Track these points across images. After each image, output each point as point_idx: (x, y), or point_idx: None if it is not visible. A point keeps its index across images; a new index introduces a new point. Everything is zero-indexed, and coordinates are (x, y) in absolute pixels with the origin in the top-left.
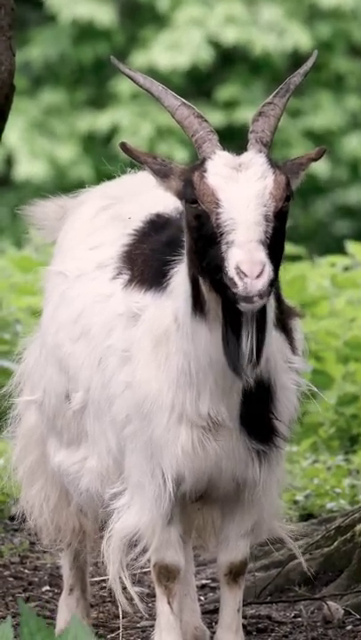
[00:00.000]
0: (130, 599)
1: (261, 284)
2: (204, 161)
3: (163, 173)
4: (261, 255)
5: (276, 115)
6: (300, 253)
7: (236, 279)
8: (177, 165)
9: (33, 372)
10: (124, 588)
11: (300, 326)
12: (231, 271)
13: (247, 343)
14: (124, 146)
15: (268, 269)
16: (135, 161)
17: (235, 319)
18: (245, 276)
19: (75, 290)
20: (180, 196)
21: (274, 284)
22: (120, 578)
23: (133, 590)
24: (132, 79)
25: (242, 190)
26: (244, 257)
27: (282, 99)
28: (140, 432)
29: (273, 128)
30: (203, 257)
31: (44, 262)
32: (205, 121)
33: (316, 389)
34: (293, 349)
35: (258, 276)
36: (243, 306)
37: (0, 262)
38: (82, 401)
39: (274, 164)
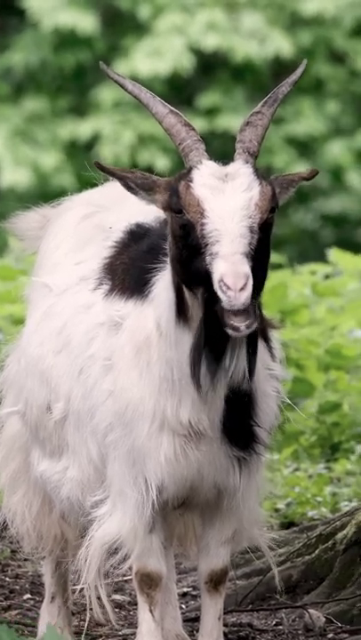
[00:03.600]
0: (103, 607)
1: (245, 297)
2: (190, 170)
3: (147, 186)
4: (245, 268)
5: (263, 124)
6: (280, 261)
7: (220, 292)
8: (159, 178)
9: (15, 381)
10: (99, 598)
11: (277, 337)
12: (215, 284)
13: (231, 360)
14: (98, 165)
15: (251, 282)
16: (113, 178)
17: (221, 334)
18: (228, 288)
19: (59, 305)
20: (166, 205)
21: (258, 296)
22: (96, 586)
23: (106, 599)
24: (120, 85)
25: (227, 201)
26: (228, 269)
27: (270, 108)
28: (123, 440)
29: (260, 138)
30: (188, 267)
31: (25, 271)
32: (193, 129)
33: (289, 401)
34: (273, 357)
35: (241, 289)
36: (231, 333)
37: None
38: (62, 411)
39: (260, 174)
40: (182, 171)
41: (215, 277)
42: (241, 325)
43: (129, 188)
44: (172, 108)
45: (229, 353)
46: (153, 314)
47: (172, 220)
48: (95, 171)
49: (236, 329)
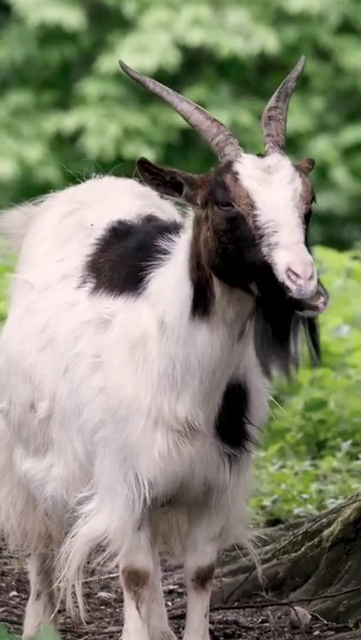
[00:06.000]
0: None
1: (313, 284)
2: (230, 164)
3: (191, 181)
4: (310, 257)
5: (284, 118)
6: None
7: (288, 282)
8: (193, 175)
9: None
10: (74, 594)
11: None
12: (281, 274)
13: (295, 344)
14: (144, 162)
15: (316, 271)
16: (151, 176)
17: (283, 322)
18: (298, 277)
19: (41, 302)
20: (206, 200)
21: None
22: (74, 582)
23: (81, 597)
24: (141, 83)
25: (277, 193)
26: (295, 258)
27: (284, 103)
28: (114, 436)
29: (284, 131)
30: (235, 260)
31: (11, 268)
32: (222, 124)
33: (272, 399)
34: None
35: (310, 278)
36: (308, 313)
37: None
38: (47, 409)
39: (296, 167)
40: (219, 165)
41: (280, 267)
42: (318, 303)
43: (173, 185)
44: (196, 104)
45: (293, 338)
46: (150, 310)
47: (214, 215)
48: (76, 166)
49: (315, 308)
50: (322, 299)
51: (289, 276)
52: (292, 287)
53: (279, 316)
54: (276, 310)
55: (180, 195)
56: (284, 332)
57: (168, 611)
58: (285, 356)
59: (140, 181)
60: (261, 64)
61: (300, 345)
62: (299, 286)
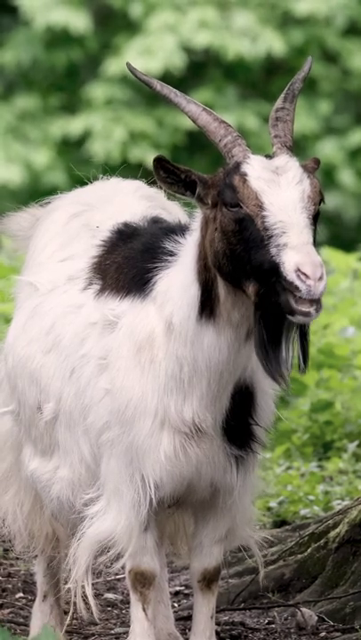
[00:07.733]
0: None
1: (323, 285)
2: (238, 165)
3: (204, 180)
4: (319, 258)
5: (291, 119)
6: None
7: (298, 282)
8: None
9: (5, 382)
10: (85, 595)
11: None
12: (291, 274)
13: (287, 350)
14: (161, 161)
15: (325, 272)
16: (165, 174)
17: (276, 327)
18: (308, 277)
19: (47, 304)
20: (216, 201)
21: None
22: (83, 583)
23: (92, 597)
24: (148, 85)
25: (285, 194)
26: (305, 259)
27: (291, 104)
28: (120, 438)
29: (292, 132)
30: (242, 261)
31: (17, 269)
32: (230, 125)
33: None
34: None
35: (320, 278)
36: (298, 319)
37: None
38: (53, 412)
39: (303, 167)
40: (227, 166)
41: (289, 267)
42: (311, 310)
43: (187, 184)
44: (204, 106)
45: (284, 343)
46: (157, 312)
47: (223, 216)
48: (83, 170)
49: (306, 314)
50: (316, 305)
51: (299, 276)
52: (302, 287)
53: (273, 321)
54: (270, 315)
55: (193, 194)
56: (277, 337)
57: (174, 612)
58: (278, 360)
59: (148, 182)
60: (268, 66)
61: (291, 351)
62: (308, 286)
